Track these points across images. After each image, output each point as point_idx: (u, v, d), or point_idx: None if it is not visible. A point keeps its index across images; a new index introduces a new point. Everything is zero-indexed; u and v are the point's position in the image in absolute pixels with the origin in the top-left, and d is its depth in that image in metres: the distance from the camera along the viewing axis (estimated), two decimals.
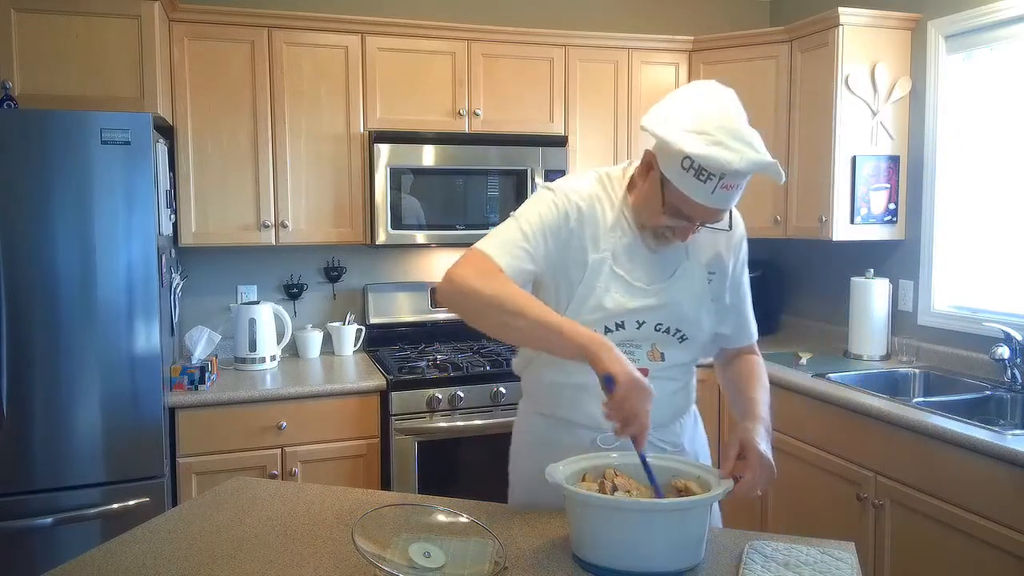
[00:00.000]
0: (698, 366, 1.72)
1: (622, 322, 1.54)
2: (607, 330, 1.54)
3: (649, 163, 1.48)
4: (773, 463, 1.42)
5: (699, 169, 1.37)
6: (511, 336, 1.48)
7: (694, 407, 1.74)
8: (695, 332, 1.60)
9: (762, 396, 1.61)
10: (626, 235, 1.54)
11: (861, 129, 3.16)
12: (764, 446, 1.42)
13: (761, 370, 1.70)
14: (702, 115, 1.39)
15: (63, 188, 2.43)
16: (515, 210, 1.57)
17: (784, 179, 1.45)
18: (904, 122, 3.21)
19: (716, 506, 1.65)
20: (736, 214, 1.61)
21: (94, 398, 2.50)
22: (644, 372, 1.52)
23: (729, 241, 1.62)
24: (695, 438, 1.71)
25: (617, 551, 1.27)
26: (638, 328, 1.55)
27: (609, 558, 1.27)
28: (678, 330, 1.57)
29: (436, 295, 1.52)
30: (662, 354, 1.57)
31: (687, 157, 1.37)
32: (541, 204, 1.54)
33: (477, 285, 1.41)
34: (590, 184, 1.59)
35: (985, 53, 2.96)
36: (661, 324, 1.56)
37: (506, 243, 1.49)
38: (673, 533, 1.28)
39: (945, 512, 2.27)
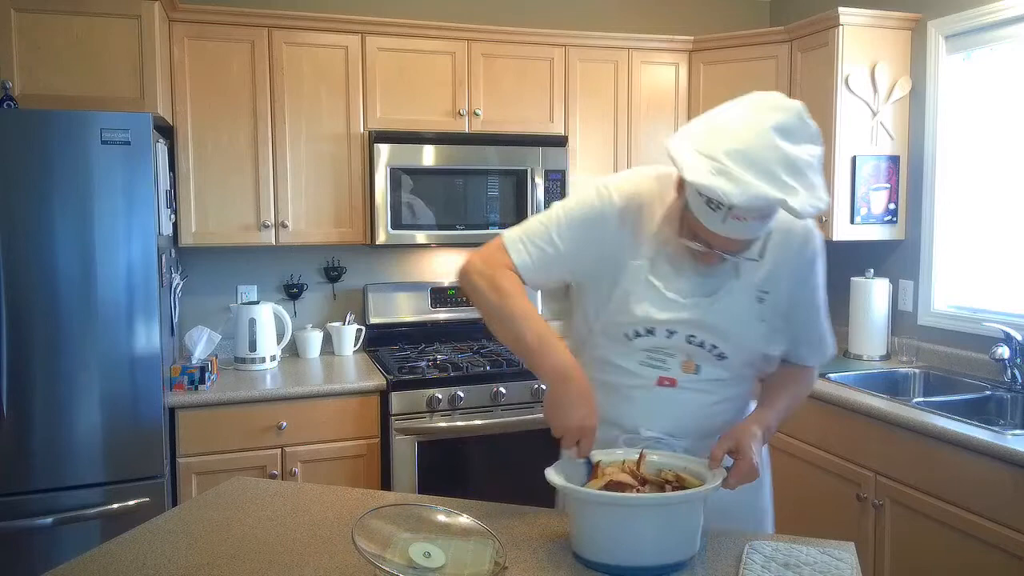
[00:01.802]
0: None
1: (652, 329, 1.49)
2: (636, 334, 1.51)
3: (680, 182, 1.38)
4: (759, 470, 1.40)
5: (708, 197, 1.28)
6: (500, 338, 1.48)
7: None
8: (735, 352, 1.51)
9: (782, 401, 1.54)
10: (674, 242, 1.45)
11: (861, 129, 3.16)
12: (756, 458, 1.39)
13: (800, 380, 1.60)
14: (720, 136, 1.28)
15: (63, 188, 2.43)
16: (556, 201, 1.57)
17: (806, 214, 1.27)
18: (904, 122, 3.21)
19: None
20: (802, 228, 1.48)
21: (94, 398, 2.50)
22: (671, 382, 1.51)
23: (793, 260, 1.48)
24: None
25: (613, 546, 1.27)
26: (668, 337, 1.49)
27: (606, 554, 1.28)
28: (714, 346, 1.49)
29: (456, 278, 1.56)
30: (697, 366, 1.51)
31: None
32: (582, 197, 1.52)
33: (480, 284, 1.47)
34: (644, 183, 1.50)
35: (985, 53, 2.96)
36: (694, 337, 1.49)
37: (529, 237, 1.50)
38: (667, 527, 1.28)
39: (945, 512, 2.27)
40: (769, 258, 1.46)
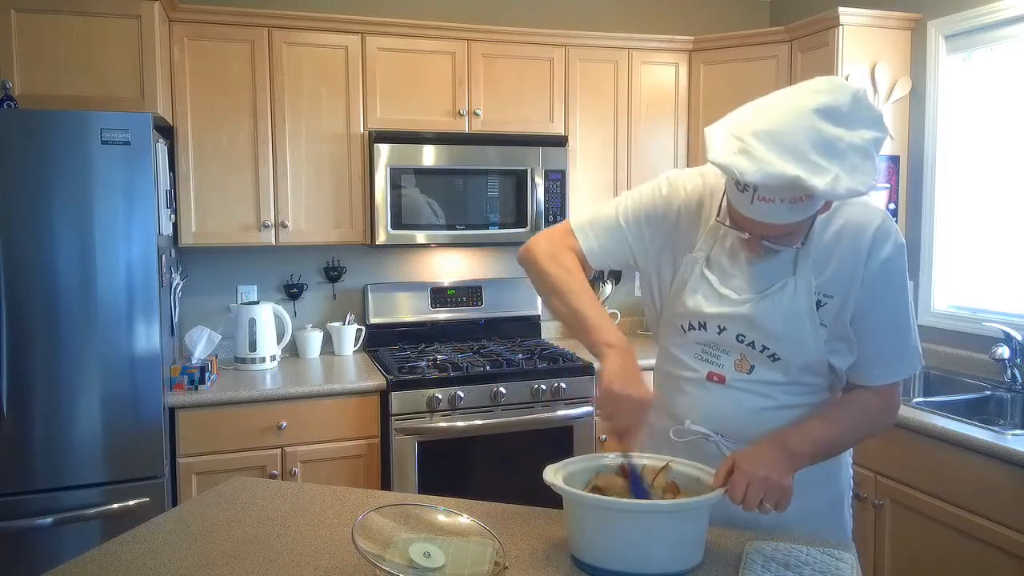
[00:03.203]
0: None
1: (704, 323, 1.49)
2: (691, 327, 1.51)
3: None
4: (771, 475, 1.32)
5: (734, 179, 1.27)
6: (553, 314, 1.55)
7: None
8: (790, 355, 1.44)
9: (811, 422, 1.44)
10: (731, 236, 1.44)
11: None
12: (752, 461, 1.33)
13: (862, 406, 1.48)
14: (757, 118, 1.25)
15: (63, 188, 2.43)
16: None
17: (831, 195, 1.21)
18: (904, 122, 3.21)
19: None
20: (873, 232, 1.39)
21: (94, 398, 2.50)
22: (720, 378, 1.49)
23: (862, 265, 1.39)
24: (821, 477, 1.51)
25: (612, 552, 1.27)
26: (719, 333, 1.48)
27: (605, 559, 1.27)
28: (766, 347, 1.44)
29: (517, 256, 1.65)
30: (751, 367, 1.48)
31: None
32: (648, 189, 1.56)
33: (541, 259, 1.53)
34: (711, 177, 1.50)
35: (985, 53, 2.96)
36: (744, 336, 1.45)
37: (595, 221, 1.56)
38: (669, 535, 1.27)
39: (945, 512, 2.27)
40: (834, 261, 1.41)
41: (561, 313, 1.51)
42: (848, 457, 1.64)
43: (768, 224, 1.30)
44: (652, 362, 1.69)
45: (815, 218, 1.35)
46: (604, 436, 1.54)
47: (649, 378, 1.69)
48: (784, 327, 1.42)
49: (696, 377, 1.52)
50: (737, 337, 1.46)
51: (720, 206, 1.41)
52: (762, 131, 1.22)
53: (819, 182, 1.19)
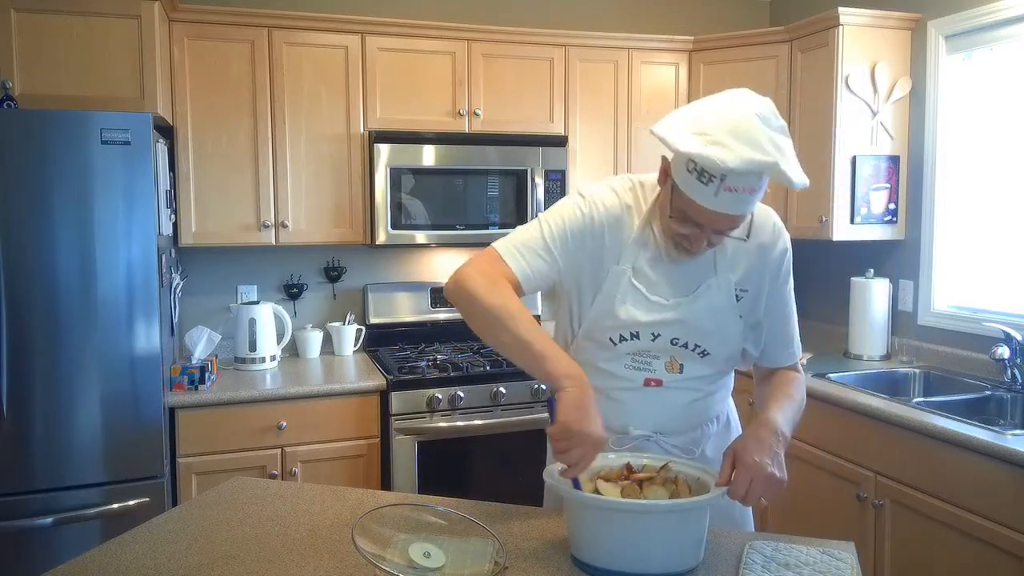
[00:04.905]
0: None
1: (636, 333, 1.53)
2: (622, 339, 1.54)
3: (665, 170, 1.44)
4: (775, 472, 1.33)
5: (700, 171, 1.32)
6: (498, 348, 1.46)
7: (728, 415, 1.70)
8: (718, 348, 1.56)
9: (779, 403, 1.52)
10: (652, 247, 1.52)
11: (861, 129, 3.16)
12: (756, 457, 1.34)
13: (792, 383, 1.61)
14: (710, 117, 1.33)
15: (63, 188, 2.43)
16: (542, 212, 1.59)
17: (799, 184, 1.32)
18: (904, 122, 3.21)
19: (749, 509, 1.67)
20: (772, 227, 1.56)
21: (94, 398, 2.50)
22: (657, 383, 1.56)
23: (766, 258, 1.55)
24: (725, 445, 1.61)
25: (612, 552, 1.27)
26: (653, 340, 1.54)
27: (605, 559, 1.27)
28: (697, 345, 1.54)
29: (444, 291, 1.55)
30: (681, 366, 1.56)
31: (690, 159, 1.32)
32: (567, 208, 1.55)
33: (478, 291, 1.43)
34: (622, 193, 1.56)
35: (985, 53, 2.96)
36: (678, 339, 1.53)
37: (523, 245, 1.51)
38: (670, 535, 1.27)
39: (945, 512, 2.27)
40: (743, 256, 1.53)
41: (509, 345, 1.42)
42: None
43: (730, 216, 1.37)
44: None
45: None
46: (612, 441, 1.49)
47: None
48: (712, 324, 1.53)
49: (631, 386, 1.57)
50: (671, 340, 1.54)
51: (671, 206, 1.42)
52: (723, 127, 1.30)
53: (788, 169, 1.30)
